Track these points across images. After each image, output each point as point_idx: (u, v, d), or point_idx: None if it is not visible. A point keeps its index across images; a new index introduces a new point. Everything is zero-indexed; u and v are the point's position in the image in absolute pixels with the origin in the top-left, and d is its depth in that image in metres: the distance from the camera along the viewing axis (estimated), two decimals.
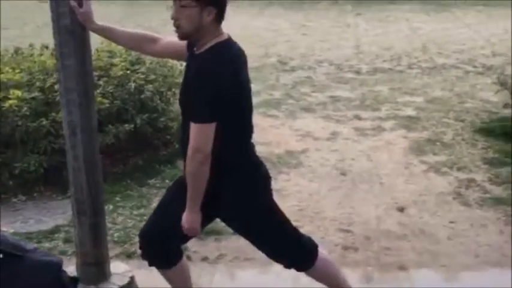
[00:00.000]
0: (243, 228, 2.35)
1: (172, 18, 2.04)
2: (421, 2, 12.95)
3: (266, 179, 2.31)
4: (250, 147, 2.27)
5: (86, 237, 2.47)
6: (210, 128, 2.01)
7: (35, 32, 9.15)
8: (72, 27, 2.35)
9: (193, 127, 2.02)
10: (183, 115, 2.19)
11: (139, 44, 2.40)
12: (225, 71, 2.02)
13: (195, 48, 2.12)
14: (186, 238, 2.34)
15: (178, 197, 2.19)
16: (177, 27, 2.04)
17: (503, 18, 10.48)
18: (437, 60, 7.81)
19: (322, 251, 2.43)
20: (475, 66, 7.44)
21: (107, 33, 2.38)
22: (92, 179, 2.49)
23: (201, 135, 2.02)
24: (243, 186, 2.21)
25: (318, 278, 2.44)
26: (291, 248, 2.34)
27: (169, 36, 2.34)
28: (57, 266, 1.35)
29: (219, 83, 1.99)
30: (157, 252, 2.34)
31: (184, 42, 2.19)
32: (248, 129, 2.23)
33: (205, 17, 2.02)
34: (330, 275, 2.43)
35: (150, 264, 2.40)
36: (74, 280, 1.40)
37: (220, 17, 2.07)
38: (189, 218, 2.15)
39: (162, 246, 2.32)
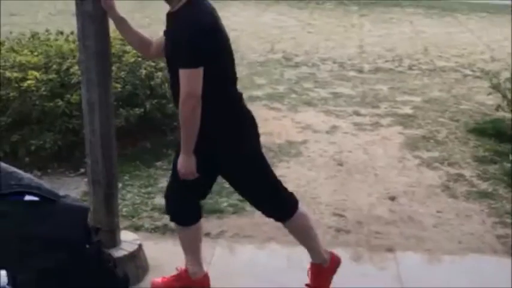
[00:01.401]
0: (235, 173, 2.53)
1: None
2: (426, 5, 13.15)
3: (254, 124, 2.53)
4: (238, 93, 2.49)
5: (100, 205, 2.70)
6: (199, 73, 2.24)
7: (48, 18, 9.38)
8: (94, 11, 2.57)
9: (183, 73, 2.24)
10: (171, 69, 2.41)
11: (145, 48, 2.63)
12: (207, 19, 2.29)
13: (170, 9, 2.35)
14: (202, 194, 2.60)
15: None
16: None
17: (505, 25, 10.67)
18: (437, 63, 8.02)
19: (301, 207, 2.66)
20: (473, 70, 7.64)
21: (122, 25, 2.58)
22: (107, 153, 2.72)
23: (191, 80, 2.24)
24: (234, 129, 2.43)
25: (294, 231, 2.68)
26: (275, 197, 2.58)
27: (154, 38, 2.61)
28: (85, 211, 1.56)
29: (203, 28, 2.25)
30: (177, 209, 2.62)
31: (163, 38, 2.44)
32: (232, 74, 2.45)
33: None
34: (305, 228, 2.67)
35: (171, 219, 2.68)
36: (97, 228, 1.62)
37: None
38: (184, 162, 2.36)
39: (181, 203, 2.59)
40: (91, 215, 2.78)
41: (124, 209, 3.51)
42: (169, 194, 2.66)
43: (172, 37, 2.33)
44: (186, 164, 2.37)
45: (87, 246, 1.56)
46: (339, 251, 2.87)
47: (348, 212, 3.63)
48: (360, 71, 7.47)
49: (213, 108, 2.32)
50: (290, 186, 3.94)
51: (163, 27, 2.46)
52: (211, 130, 2.36)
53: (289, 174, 4.15)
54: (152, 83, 4.37)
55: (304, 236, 2.69)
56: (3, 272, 1.40)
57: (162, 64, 4.56)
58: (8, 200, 1.49)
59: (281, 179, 3.99)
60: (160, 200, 3.68)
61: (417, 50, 8.77)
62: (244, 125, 2.49)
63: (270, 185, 2.58)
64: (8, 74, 3.97)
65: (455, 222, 3.53)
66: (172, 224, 3.34)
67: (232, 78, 2.46)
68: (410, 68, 7.73)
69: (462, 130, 5.20)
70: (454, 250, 3.23)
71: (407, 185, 4.05)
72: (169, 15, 2.38)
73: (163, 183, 3.90)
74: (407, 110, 5.81)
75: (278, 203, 2.61)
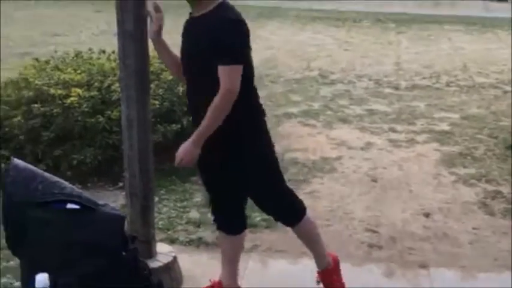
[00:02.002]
0: (251, 172, 2.54)
1: None
2: (465, 22, 13.02)
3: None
4: (257, 91, 2.57)
5: (137, 217, 2.80)
6: (239, 69, 2.33)
7: (90, 38, 9.70)
8: (134, 31, 2.69)
9: (224, 70, 2.31)
10: (193, 73, 2.45)
11: (177, 69, 2.67)
12: (243, 19, 2.38)
13: (193, 13, 2.42)
14: (243, 199, 2.68)
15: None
16: None
17: None
18: (476, 79, 7.92)
19: (309, 214, 2.74)
20: None
21: (159, 46, 2.63)
22: (144, 167, 2.82)
23: (232, 76, 2.32)
24: (256, 126, 2.51)
25: (302, 236, 2.77)
26: (285, 199, 2.65)
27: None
28: (123, 219, 1.64)
29: (242, 28, 2.35)
30: (225, 217, 2.72)
31: None
32: (253, 73, 2.53)
33: None
34: (313, 234, 2.77)
35: (218, 228, 2.76)
36: (133, 237, 1.69)
37: None
38: (189, 149, 2.41)
39: (229, 212, 2.70)
40: (128, 226, 2.89)
41: (160, 222, 3.60)
42: (216, 203, 2.74)
43: (202, 38, 2.37)
44: (191, 152, 2.40)
45: (124, 253, 1.64)
46: (371, 267, 2.89)
47: (381, 227, 3.63)
48: (396, 88, 7.45)
49: (241, 105, 2.39)
50: (323, 202, 4.04)
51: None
52: (236, 125, 2.42)
53: (322, 189, 4.18)
54: None
55: (312, 241, 2.79)
56: (46, 275, 1.49)
57: None
58: (51, 207, 1.58)
59: (315, 194, 4.12)
60: (195, 214, 3.77)
61: (455, 67, 8.69)
62: (263, 123, 2.57)
63: (282, 187, 2.65)
64: (52, 91, 4.15)
65: (491, 240, 3.49)
66: (206, 237, 3.44)
67: (253, 77, 2.55)
68: (448, 84, 7.66)
69: (501, 147, 5.12)
70: (489, 267, 3.19)
71: (443, 201, 4.02)
72: (194, 19, 2.44)
73: (198, 197, 4.00)
74: (444, 126, 5.76)
75: (288, 206, 2.68)
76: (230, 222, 2.73)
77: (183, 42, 2.51)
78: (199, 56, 2.41)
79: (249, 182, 2.59)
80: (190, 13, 2.49)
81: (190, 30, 2.49)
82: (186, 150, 2.43)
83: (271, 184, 2.62)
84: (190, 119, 2.85)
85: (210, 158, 2.50)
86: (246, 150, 2.50)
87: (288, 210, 2.70)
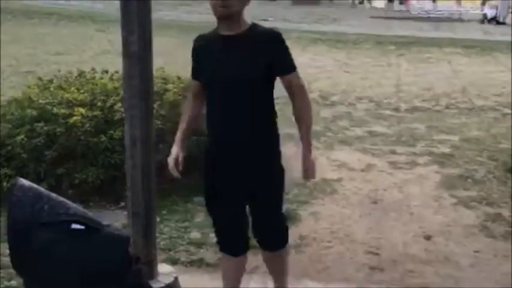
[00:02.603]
0: (273, 193, 2.60)
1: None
2: (464, 45, 13.14)
3: None
4: None
5: (139, 237, 2.80)
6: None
7: (93, 58, 9.77)
8: (139, 52, 2.72)
9: (296, 74, 2.47)
10: (239, 90, 2.41)
11: (198, 120, 2.78)
12: None
13: (229, 33, 2.40)
14: (247, 219, 2.68)
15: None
16: (226, 6, 2.32)
17: None
18: (476, 102, 7.98)
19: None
20: None
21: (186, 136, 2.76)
22: (147, 186, 2.83)
23: (300, 77, 2.48)
24: (277, 141, 2.57)
25: (276, 262, 2.78)
26: (284, 223, 2.71)
27: (189, 95, 2.75)
28: (127, 240, 1.65)
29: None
30: (227, 238, 2.71)
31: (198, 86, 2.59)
32: None
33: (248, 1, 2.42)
34: (286, 263, 2.80)
35: (221, 249, 2.75)
36: (137, 258, 1.70)
37: None
38: (312, 159, 2.48)
39: (231, 233, 2.68)
40: (131, 246, 2.89)
41: (161, 243, 3.60)
42: (221, 224, 2.72)
43: (255, 53, 2.39)
44: (313, 161, 2.50)
45: (128, 273, 1.65)
46: None
47: (382, 250, 3.63)
48: (397, 109, 7.49)
49: (274, 120, 2.51)
50: (324, 224, 4.04)
51: None
52: (272, 139, 2.53)
53: (323, 211, 4.18)
54: None
55: (283, 270, 2.80)
56: None
57: None
58: (56, 227, 1.60)
59: (316, 216, 4.12)
60: (196, 234, 3.77)
61: (455, 89, 8.75)
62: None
63: (282, 208, 2.68)
64: (55, 110, 4.17)
65: (493, 263, 3.48)
66: (208, 258, 3.43)
67: None
68: (447, 107, 7.71)
69: (501, 169, 5.14)
70: None
71: (444, 224, 4.02)
72: (233, 37, 2.40)
73: (200, 217, 4.00)
74: (444, 149, 5.79)
75: (283, 229, 2.71)
76: (234, 243, 2.73)
77: (220, 59, 2.42)
78: (252, 70, 2.39)
79: (268, 200, 2.62)
80: (217, 32, 2.44)
81: (229, 48, 2.42)
82: (313, 161, 2.51)
83: (280, 204, 2.65)
84: (215, 136, 2.62)
85: (241, 173, 2.51)
86: (274, 166, 2.55)
87: (282, 233, 2.71)
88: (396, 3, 24.12)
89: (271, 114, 2.53)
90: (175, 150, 2.66)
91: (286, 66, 2.45)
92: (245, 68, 2.39)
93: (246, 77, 2.40)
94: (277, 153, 2.56)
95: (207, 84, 2.53)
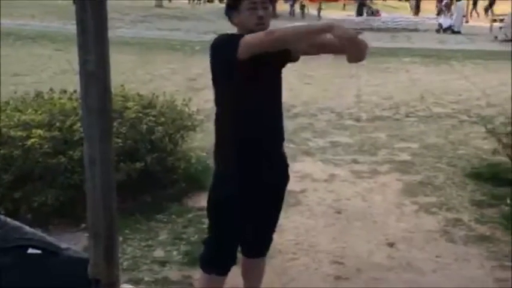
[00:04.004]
0: (280, 201, 2.77)
1: (261, 18, 2.46)
2: (422, 54, 13.46)
3: None
4: None
5: (100, 258, 2.74)
6: None
7: (52, 78, 9.61)
8: (96, 71, 2.70)
9: None
10: (276, 84, 2.70)
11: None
12: None
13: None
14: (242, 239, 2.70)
15: None
16: (263, 24, 2.49)
17: (500, 71, 10.90)
18: (434, 110, 8.17)
19: None
20: (469, 116, 7.78)
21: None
22: (108, 205, 2.78)
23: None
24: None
25: (257, 268, 2.86)
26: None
27: None
28: (86, 262, 1.63)
29: None
30: (214, 256, 2.65)
31: None
32: None
33: None
34: (263, 270, 2.90)
35: (203, 267, 2.68)
36: (97, 280, 1.67)
37: None
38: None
39: (219, 250, 2.64)
40: (91, 269, 2.83)
41: (125, 263, 3.55)
42: (207, 240, 2.69)
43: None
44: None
45: None
46: None
47: (346, 259, 3.66)
48: (358, 119, 7.60)
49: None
50: (289, 235, 4.05)
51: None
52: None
53: (287, 223, 4.19)
54: (153, 137, 4.48)
55: (260, 277, 2.89)
56: None
57: (163, 119, 4.68)
58: (12, 253, 1.56)
59: (280, 228, 4.11)
60: (160, 252, 3.73)
61: (414, 98, 8.94)
62: None
63: None
64: (12, 133, 4.09)
65: (454, 267, 3.55)
66: (172, 276, 3.39)
67: None
68: (407, 115, 7.86)
69: (459, 175, 5.27)
70: None
71: (406, 230, 4.09)
72: None
73: (164, 235, 3.96)
74: (404, 156, 5.90)
75: (271, 237, 2.84)
76: (231, 260, 2.66)
77: (264, 56, 2.45)
78: (282, 62, 2.66)
79: (281, 204, 2.79)
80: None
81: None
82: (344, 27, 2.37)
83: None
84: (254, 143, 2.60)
85: (270, 179, 2.62)
86: (287, 172, 2.74)
87: (270, 241, 2.85)
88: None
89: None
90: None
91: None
92: (279, 58, 2.61)
93: (279, 65, 2.67)
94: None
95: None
